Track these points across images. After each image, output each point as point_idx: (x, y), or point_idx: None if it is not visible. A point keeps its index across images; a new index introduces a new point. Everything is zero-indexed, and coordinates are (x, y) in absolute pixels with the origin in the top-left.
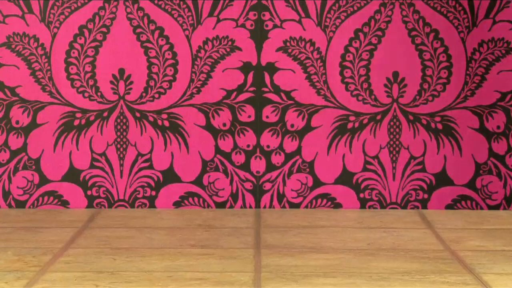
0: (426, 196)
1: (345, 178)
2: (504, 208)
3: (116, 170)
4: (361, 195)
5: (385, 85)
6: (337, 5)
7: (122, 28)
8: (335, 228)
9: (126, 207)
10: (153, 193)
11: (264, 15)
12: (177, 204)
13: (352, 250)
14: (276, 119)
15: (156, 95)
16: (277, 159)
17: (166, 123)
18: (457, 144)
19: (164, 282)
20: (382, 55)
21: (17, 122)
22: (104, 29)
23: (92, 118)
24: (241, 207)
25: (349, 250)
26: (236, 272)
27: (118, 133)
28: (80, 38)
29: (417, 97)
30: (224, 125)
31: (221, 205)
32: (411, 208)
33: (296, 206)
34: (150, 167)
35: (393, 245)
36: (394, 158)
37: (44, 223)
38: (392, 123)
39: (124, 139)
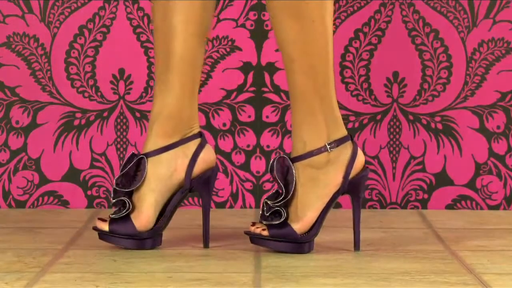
0: (426, 196)
1: None
2: (504, 208)
3: (116, 170)
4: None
5: (385, 85)
6: (337, 5)
7: (122, 28)
8: (335, 228)
9: None
10: None
11: (264, 15)
12: None
13: (352, 250)
14: (276, 119)
15: None
16: None
17: None
18: (457, 144)
19: (164, 283)
20: (382, 55)
21: (17, 122)
22: (104, 29)
23: (92, 118)
24: (241, 207)
25: (349, 250)
26: (236, 273)
27: (118, 133)
28: (80, 38)
29: (417, 97)
30: (224, 125)
31: (221, 205)
32: (411, 208)
33: None
34: None
35: (393, 245)
36: (394, 158)
37: (44, 223)
38: (392, 123)
39: (124, 139)
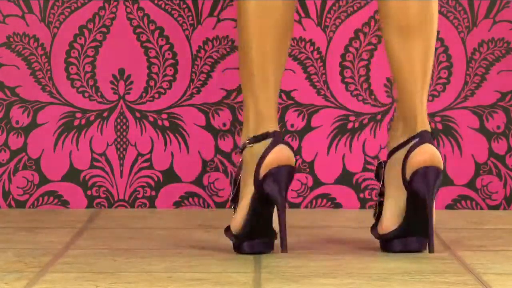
0: None
1: (345, 178)
2: (504, 208)
3: (116, 170)
4: (361, 195)
5: (385, 85)
6: (337, 5)
7: (122, 28)
8: (335, 228)
9: (126, 207)
10: (153, 193)
11: None
12: (177, 204)
13: (352, 250)
14: None
15: (156, 95)
16: None
17: (166, 123)
18: (457, 144)
19: (164, 283)
20: (382, 55)
21: (17, 122)
22: (104, 29)
23: (92, 118)
24: None
25: (349, 250)
26: (236, 273)
27: (118, 133)
28: (80, 38)
29: None
30: (224, 125)
31: (221, 205)
32: None
33: (296, 206)
34: (150, 167)
35: None
36: None
37: (44, 223)
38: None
39: (124, 139)
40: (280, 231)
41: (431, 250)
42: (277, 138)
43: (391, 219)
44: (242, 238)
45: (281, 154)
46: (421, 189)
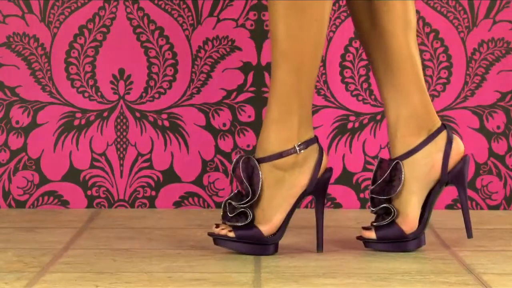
0: None
1: (345, 178)
2: (504, 208)
3: (116, 170)
4: (361, 195)
5: None
6: (336, 5)
7: (122, 28)
8: (335, 228)
9: (126, 207)
10: (153, 193)
11: (264, 15)
12: (177, 204)
13: (352, 250)
14: None
15: (156, 95)
16: None
17: (166, 123)
18: None
19: (164, 283)
20: None
21: (17, 122)
22: (104, 29)
23: (92, 118)
24: None
25: (349, 250)
26: (236, 273)
27: (118, 133)
28: (80, 38)
29: None
30: (224, 125)
31: (221, 205)
32: None
33: None
34: (150, 167)
35: None
36: None
37: (44, 223)
38: None
39: (124, 139)
40: (318, 231)
41: (471, 235)
42: (319, 141)
43: (416, 216)
44: (276, 240)
45: (326, 156)
46: (466, 175)
